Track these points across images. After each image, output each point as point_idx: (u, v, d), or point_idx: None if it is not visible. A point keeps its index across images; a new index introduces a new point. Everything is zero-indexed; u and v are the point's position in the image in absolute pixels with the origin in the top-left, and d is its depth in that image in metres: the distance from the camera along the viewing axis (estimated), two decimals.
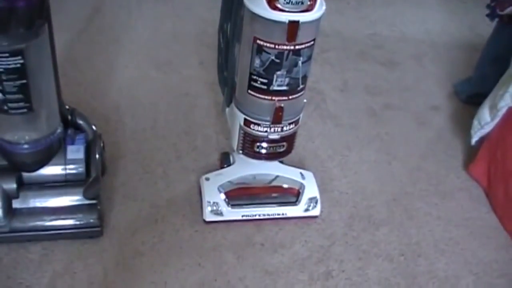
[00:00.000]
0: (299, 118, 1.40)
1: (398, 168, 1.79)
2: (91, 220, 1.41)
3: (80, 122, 1.52)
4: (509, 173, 1.60)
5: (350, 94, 2.09)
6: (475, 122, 1.73)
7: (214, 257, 1.41)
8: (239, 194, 1.51)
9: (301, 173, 1.57)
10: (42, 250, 1.40)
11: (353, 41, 2.43)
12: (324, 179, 1.66)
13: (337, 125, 1.92)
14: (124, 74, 2.06)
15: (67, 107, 1.49)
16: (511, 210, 1.59)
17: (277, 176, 1.56)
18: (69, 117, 1.50)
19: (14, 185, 1.38)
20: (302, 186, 1.54)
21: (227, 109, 1.52)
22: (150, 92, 1.97)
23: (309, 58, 1.27)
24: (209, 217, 1.47)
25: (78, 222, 1.41)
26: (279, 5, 1.17)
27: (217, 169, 1.61)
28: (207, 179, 1.51)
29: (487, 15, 1.93)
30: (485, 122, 1.67)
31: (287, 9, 1.18)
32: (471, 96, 2.09)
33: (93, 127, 1.53)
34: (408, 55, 2.42)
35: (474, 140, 1.75)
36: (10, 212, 1.39)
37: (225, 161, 1.58)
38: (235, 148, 1.45)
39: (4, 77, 1.23)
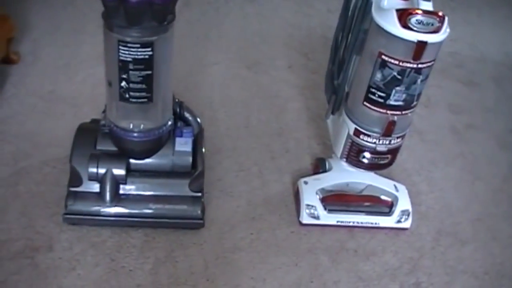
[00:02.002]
0: (405, 133, 1.43)
1: (481, 188, 1.82)
2: (195, 212, 1.47)
3: (187, 115, 1.58)
4: None
5: (433, 111, 2.12)
6: None
7: (310, 259, 1.46)
8: (335, 200, 1.56)
9: (395, 185, 1.61)
10: (144, 237, 1.47)
11: None
12: (412, 192, 1.69)
13: (423, 140, 1.95)
14: (215, 70, 2.12)
15: (176, 99, 1.55)
16: None
17: (368, 185, 1.60)
18: (178, 110, 1.56)
19: (123, 171, 1.45)
20: (395, 198, 1.58)
21: (331, 117, 1.57)
22: (241, 90, 2.03)
23: (427, 77, 1.31)
24: (306, 219, 1.52)
25: (181, 213, 1.47)
26: (410, 24, 1.21)
27: (310, 173, 1.66)
28: (306, 182, 1.56)
29: None
30: None
31: (416, 29, 1.22)
32: None
33: (199, 120, 1.59)
34: (488, 76, 2.43)
35: None
36: (117, 197, 1.46)
37: (321, 166, 1.62)
38: (338, 155, 1.50)
39: (131, 67, 1.30)
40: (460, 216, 1.69)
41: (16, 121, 1.76)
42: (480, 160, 1.93)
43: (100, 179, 1.44)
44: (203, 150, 1.55)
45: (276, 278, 1.41)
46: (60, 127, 1.75)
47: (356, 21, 1.39)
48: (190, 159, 1.49)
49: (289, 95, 2.03)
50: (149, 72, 1.31)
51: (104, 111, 1.48)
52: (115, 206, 1.45)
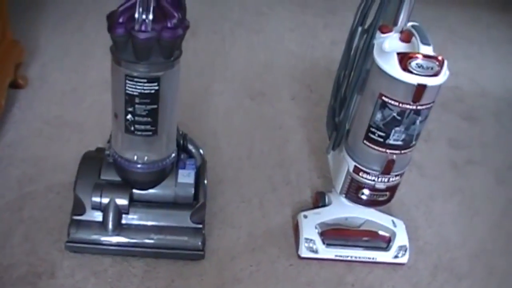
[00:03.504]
0: (404, 171, 1.46)
1: (479, 224, 1.84)
2: (196, 244, 1.49)
3: (191, 147, 1.61)
4: None
5: (433, 145, 2.14)
6: None
7: None
8: (333, 234, 1.58)
9: (393, 220, 1.63)
10: (145, 266, 1.49)
11: None
12: (410, 227, 1.71)
13: (422, 175, 1.98)
14: (220, 100, 2.16)
15: (180, 131, 1.58)
16: None
17: (366, 220, 1.62)
18: (181, 142, 1.59)
19: (126, 202, 1.48)
20: (393, 234, 1.60)
21: (331, 152, 1.60)
22: (245, 121, 2.06)
23: (426, 117, 1.35)
24: (304, 253, 1.54)
25: (182, 244, 1.50)
26: (410, 68, 1.25)
27: (310, 206, 1.69)
28: (305, 216, 1.59)
29: None
30: None
31: (416, 72, 1.25)
32: None
33: (201, 151, 1.62)
34: (488, 111, 2.46)
35: None
36: (119, 226, 1.49)
37: (320, 200, 1.65)
38: (338, 191, 1.53)
39: (137, 101, 1.33)
40: (457, 252, 1.71)
41: (23, 146, 1.79)
42: (478, 196, 1.95)
43: (103, 208, 1.46)
44: (205, 181, 1.57)
45: None
46: (65, 153, 1.78)
47: (358, 61, 1.42)
48: (192, 191, 1.52)
49: (291, 127, 2.06)
50: (155, 106, 1.34)
51: (109, 141, 1.51)
52: (117, 235, 1.47)
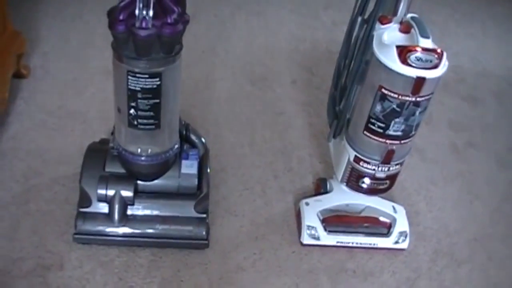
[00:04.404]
0: (404, 160, 1.48)
1: (479, 208, 1.86)
2: (200, 233, 1.52)
3: (193, 137, 1.63)
4: None
5: (434, 128, 2.16)
6: None
7: (310, 279, 1.52)
8: (335, 221, 1.61)
9: (393, 206, 1.65)
10: (151, 256, 1.52)
11: None
12: (410, 212, 1.74)
13: (423, 159, 2.00)
14: (221, 86, 2.17)
15: (182, 122, 1.60)
16: None
17: (367, 207, 1.65)
18: (184, 132, 1.61)
19: (131, 193, 1.50)
20: (394, 220, 1.63)
21: (332, 140, 1.61)
22: (246, 107, 2.07)
23: (426, 108, 1.36)
24: (306, 240, 1.57)
25: (187, 233, 1.53)
26: (409, 61, 1.25)
27: (312, 193, 1.72)
28: (307, 204, 1.61)
29: None
30: None
31: (415, 65, 1.26)
32: None
33: (203, 140, 1.64)
34: (489, 91, 2.46)
35: None
36: (125, 217, 1.52)
37: (322, 187, 1.67)
38: (339, 179, 1.55)
39: (139, 96, 1.35)
40: (457, 236, 1.74)
41: (27, 138, 1.81)
42: (478, 179, 1.97)
43: (109, 200, 1.49)
44: (208, 170, 1.60)
45: None
46: (69, 144, 1.80)
47: (358, 51, 1.43)
48: (196, 181, 1.54)
49: (293, 112, 2.08)
50: (157, 100, 1.36)
51: (112, 133, 1.53)
52: (123, 226, 1.50)
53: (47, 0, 2.51)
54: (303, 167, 1.85)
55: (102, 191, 1.48)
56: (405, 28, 1.34)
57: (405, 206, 1.72)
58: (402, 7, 1.38)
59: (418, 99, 1.31)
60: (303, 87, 2.22)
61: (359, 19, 1.44)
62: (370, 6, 1.45)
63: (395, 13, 1.39)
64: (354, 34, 1.46)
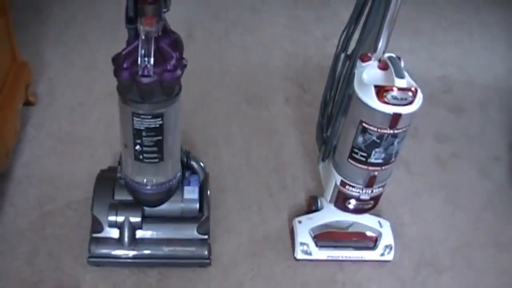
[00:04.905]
0: (386, 183, 1.62)
1: (460, 218, 2.00)
2: (202, 253, 1.67)
3: (194, 164, 1.77)
4: None
5: (420, 141, 2.29)
6: None
7: None
8: (325, 237, 1.75)
9: (379, 221, 1.80)
10: (159, 275, 1.67)
11: (424, 84, 2.56)
12: (396, 224, 1.88)
13: (408, 172, 2.14)
14: (219, 106, 2.30)
15: (183, 150, 1.74)
16: None
17: (355, 222, 1.80)
18: (185, 159, 1.75)
19: (139, 218, 1.65)
20: (379, 234, 1.77)
21: (321, 163, 1.76)
22: (243, 127, 2.21)
23: (403, 138, 1.50)
24: (300, 255, 1.72)
25: (190, 253, 1.67)
26: (386, 99, 1.39)
27: (305, 209, 1.87)
28: (300, 222, 1.76)
29: None
30: None
31: (392, 103, 1.40)
32: None
33: (203, 165, 1.78)
34: (475, 101, 2.57)
35: None
36: (134, 240, 1.66)
37: (313, 204, 1.82)
38: (328, 200, 1.70)
39: (144, 134, 1.48)
40: (439, 246, 1.88)
41: (39, 165, 1.95)
42: (461, 190, 2.11)
43: (119, 226, 1.64)
44: (208, 193, 1.74)
45: None
46: (78, 169, 1.95)
47: (342, 85, 1.57)
48: (198, 205, 1.68)
49: (286, 130, 2.22)
50: (160, 137, 1.49)
51: (119, 162, 1.67)
52: (133, 249, 1.65)
53: (48, 23, 2.64)
54: (297, 185, 1.99)
55: (112, 218, 1.63)
56: (383, 65, 1.48)
57: (391, 218, 1.86)
58: (381, 45, 1.51)
59: (395, 131, 1.45)
60: (296, 104, 2.35)
61: (343, 55, 1.57)
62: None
63: (375, 50, 1.52)
64: (338, 69, 1.59)
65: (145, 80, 1.38)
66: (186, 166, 1.75)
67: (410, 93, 1.39)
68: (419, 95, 1.42)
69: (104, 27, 2.64)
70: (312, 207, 1.83)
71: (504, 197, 2.11)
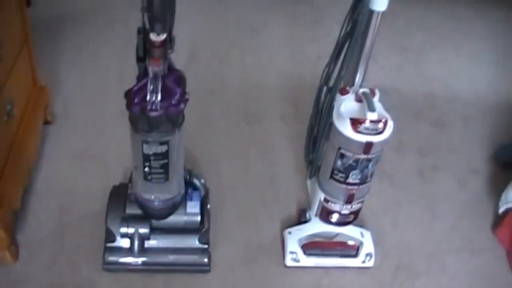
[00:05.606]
0: (364, 199, 1.85)
1: (438, 226, 2.22)
2: (203, 261, 1.90)
3: (195, 181, 1.99)
4: None
5: (403, 154, 2.50)
6: (503, 197, 2.14)
7: None
8: (312, 246, 1.97)
9: (361, 232, 2.02)
10: (165, 280, 1.89)
11: (410, 101, 2.83)
12: (378, 233, 2.10)
13: (391, 184, 2.35)
14: (219, 126, 2.52)
15: (186, 169, 1.96)
16: None
17: (339, 233, 2.02)
18: (188, 177, 1.98)
19: (148, 230, 1.88)
20: (361, 243, 1.99)
21: (309, 180, 1.98)
22: (241, 145, 2.43)
23: (377, 161, 1.72)
24: (289, 263, 1.94)
25: (192, 261, 1.90)
26: (360, 130, 1.61)
27: (295, 220, 2.09)
28: (290, 232, 1.98)
29: None
30: (510, 200, 2.08)
31: (365, 133, 1.62)
32: (509, 162, 2.46)
33: (203, 182, 2.00)
34: (457, 116, 2.75)
35: (500, 210, 2.15)
36: (143, 249, 1.89)
37: (302, 216, 2.04)
38: (313, 214, 1.92)
39: (152, 158, 1.69)
40: (416, 253, 2.10)
41: (57, 180, 2.18)
42: (440, 200, 2.32)
43: (129, 236, 1.86)
44: (209, 207, 1.97)
45: None
46: (93, 184, 2.17)
47: (324, 115, 1.79)
48: (199, 218, 1.91)
49: (281, 147, 2.43)
50: (166, 161, 1.71)
51: (130, 180, 1.90)
52: (142, 257, 1.88)
53: (63, 46, 2.87)
54: (289, 198, 2.21)
55: (124, 230, 1.86)
56: (359, 98, 1.69)
57: (374, 228, 2.08)
58: (358, 79, 1.73)
59: (369, 156, 1.67)
60: (290, 122, 2.57)
61: (325, 88, 1.79)
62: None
63: (352, 84, 1.74)
64: (321, 100, 1.81)
65: (153, 113, 1.60)
66: (188, 183, 1.97)
67: (381, 124, 1.60)
68: (389, 124, 1.63)
69: (115, 50, 2.87)
70: (301, 218, 2.05)
71: (479, 206, 2.31)
